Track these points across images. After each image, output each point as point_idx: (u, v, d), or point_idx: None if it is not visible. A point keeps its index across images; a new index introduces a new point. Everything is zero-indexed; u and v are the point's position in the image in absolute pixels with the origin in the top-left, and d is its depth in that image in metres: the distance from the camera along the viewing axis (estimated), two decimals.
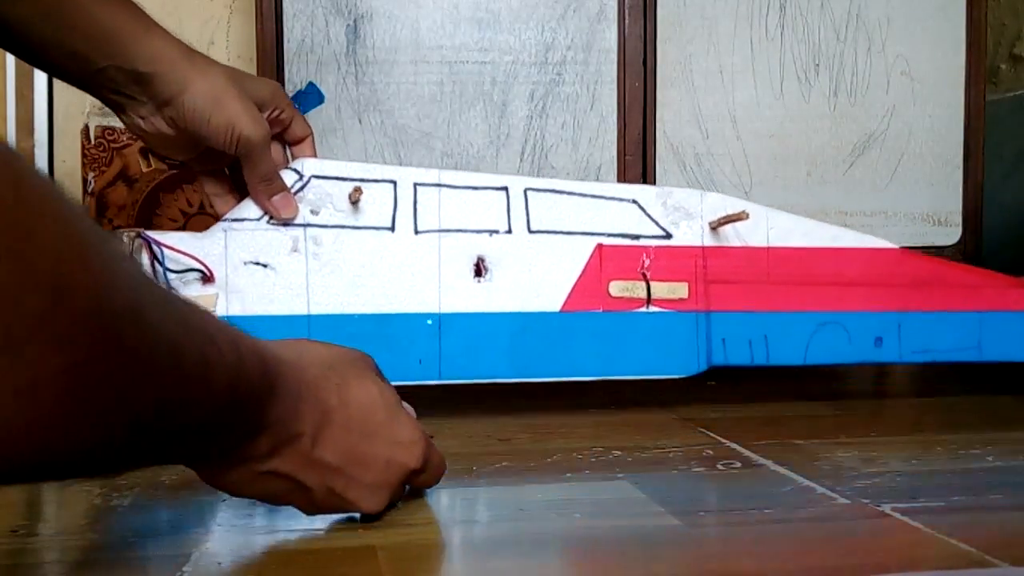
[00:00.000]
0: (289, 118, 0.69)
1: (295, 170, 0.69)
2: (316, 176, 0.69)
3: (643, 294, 0.72)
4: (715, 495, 0.49)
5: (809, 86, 0.95)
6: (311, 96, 0.87)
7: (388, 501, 0.44)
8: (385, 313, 0.68)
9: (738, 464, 0.56)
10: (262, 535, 0.43)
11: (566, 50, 0.91)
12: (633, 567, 0.40)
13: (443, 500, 0.49)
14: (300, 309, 0.67)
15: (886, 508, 0.46)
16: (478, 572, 0.40)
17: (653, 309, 0.72)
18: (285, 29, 0.87)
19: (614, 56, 0.91)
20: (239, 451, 0.39)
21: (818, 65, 0.95)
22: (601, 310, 0.71)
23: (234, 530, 0.44)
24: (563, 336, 0.71)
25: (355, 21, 0.88)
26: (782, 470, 0.54)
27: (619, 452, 0.59)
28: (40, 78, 1.12)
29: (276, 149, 0.69)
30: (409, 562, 0.40)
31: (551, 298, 0.71)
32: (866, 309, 0.75)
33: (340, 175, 0.69)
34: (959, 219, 0.97)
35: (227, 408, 0.35)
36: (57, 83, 1.21)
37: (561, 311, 0.71)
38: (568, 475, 0.54)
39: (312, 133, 0.71)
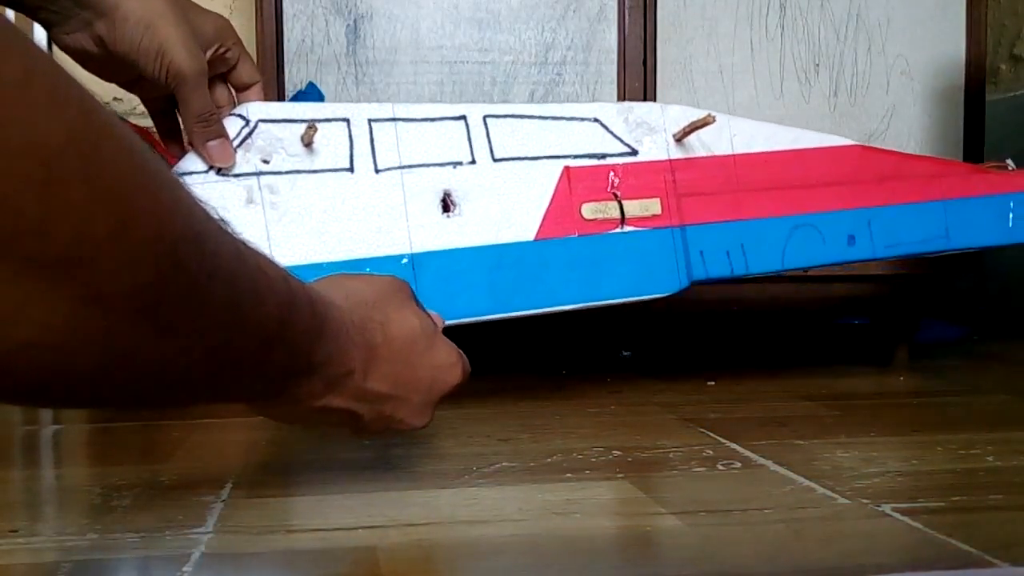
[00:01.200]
0: (235, 58, 0.64)
1: (240, 115, 0.65)
2: (263, 120, 0.65)
3: (617, 214, 0.70)
4: (715, 495, 0.49)
5: (809, 86, 0.95)
6: (311, 96, 0.87)
7: (432, 416, 0.49)
8: (355, 259, 0.65)
9: (738, 464, 0.56)
10: (262, 535, 0.43)
11: (566, 50, 0.91)
12: (633, 567, 0.40)
13: (443, 500, 0.49)
14: None
15: (886, 508, 0.46)
16: (478, 572, 0.40)
17: (628, 229, 0.70)
18: (285, 29, 0.87)
19: (614, 56, 0.91)
20: (292, 388, 0.41)
21: (818, 65, 0.95)
22: (576, 235, 0.69)
23: (234, 530, 0.44)
24: (540, 265, 0.69)
25: (355, 21, 0.88)
26: (782, 470, 0.54)
27: (619, 452, 0.59)
28: None
29: (220, 90, 0.65)
30: (409, 562, 0.40)
31: (524, 227, 0.69)
32: (836, 208, 0.74)
33: (289, 117, 0.66)
34: None
35: (278, 340, 0.36)
36: None
37: (536, 240, 0.69)
38: (568, 475, 0.54)
39: (261, 80, 0.67)
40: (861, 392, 0.87)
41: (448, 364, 0.49)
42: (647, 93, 0.92)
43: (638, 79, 0.92)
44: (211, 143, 0.63)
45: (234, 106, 0.66)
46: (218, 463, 0.59)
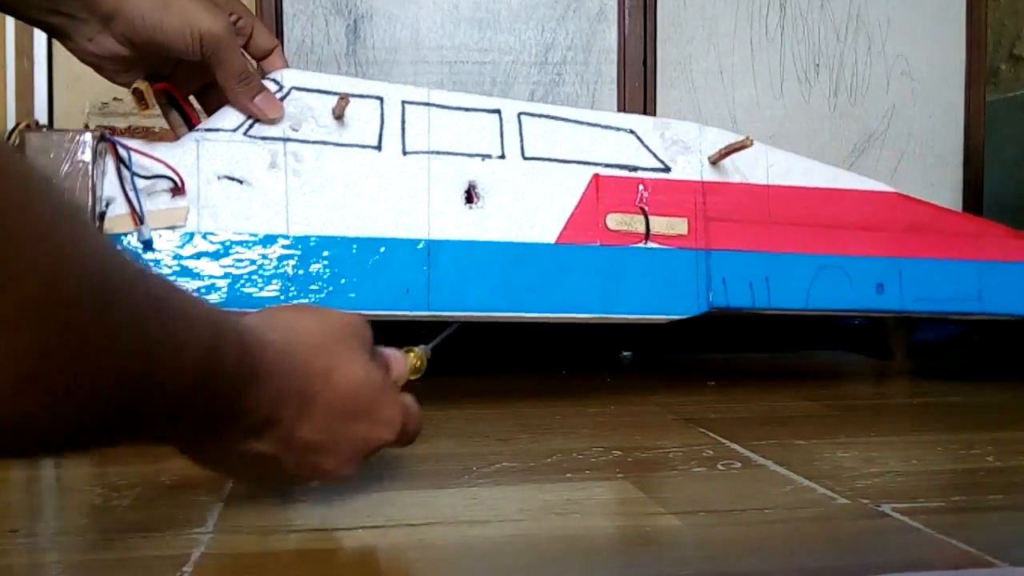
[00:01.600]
0: (248, 26, 0.63)
1: (274, 80, 0.64)
2: (297, 88, 0.64)
3: (641, 228, 0.69)
4: (715, 495, 0.49)
5: (809, 86, 0.95)
6: None
7: (356, 471, 0.45)
8: (370, 237, 0.64)
9: (738, 464, 0.56)
10: (262, 535, 0.43)
11: (566, 50, 0.91)
12: (633, 567, 0.40)
13: (443, 500, 0.49)
14: (278, 229, 0.63)
15: (886, 508, 0.46)
16: (478, 572, 0.40)
17: (652, 245, 0.69)
18: (285, 29, 0.87)
19: (614, 56, 0.92)
20: (215, 432, 0.38)
21: (818, 65, 0.95)
22: (598, 243, 0.68)
23: (234, 530, 0.44)
24: (558, 270, 0.67)
25: (355, 21, 0.88)
26: (782, 470, 0.54)
27: (619, 452, 0.59)
28: (41, 78, 1.12)
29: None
30: (409, 562, 0.40)
31: (546, 229, 0.67)
32: (867, 254, 0.72)
33: (323, 88, 0.65)
34: None
35: (197, 392, 0.34)
36: (58, 84, 1.21)
37: (556, 243, 0.67)
38: (568, 475, 0.54)
39: (280, 44, 0.66)
40: (861, 392, 0.87)
41: (388, 420, 0.46)
42: (647, 93, 0.92)
43: (638, 79, 0.92)
44: (257, 98, 0.62)
45: (261, 76, 0.65)
46: None
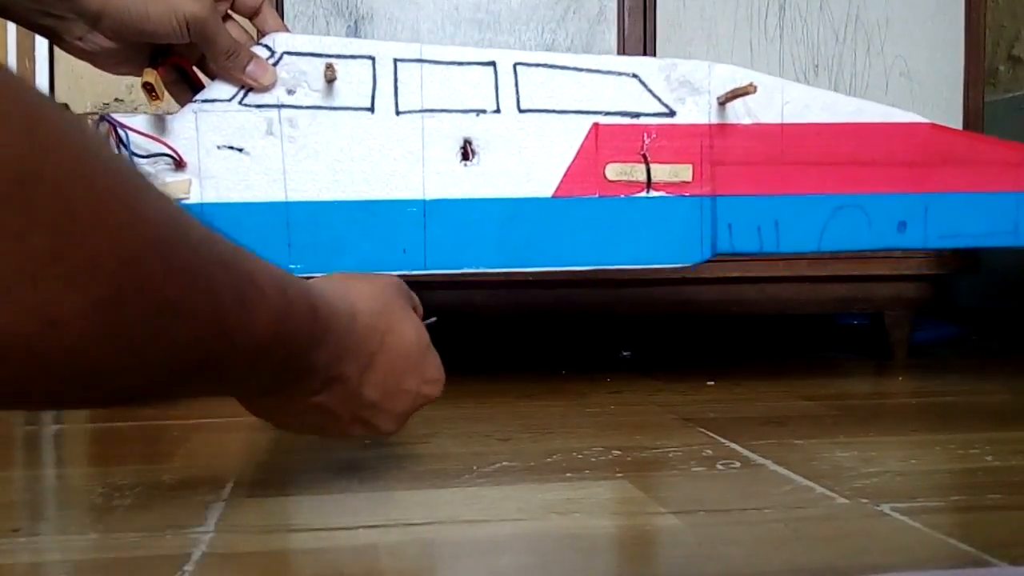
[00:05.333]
0: None
1: (266, 46, 0.65)
2: (288, 52, 0.64)
3: (642, 178, 0.67)
4: (715, 495, 0.49)
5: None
6: None
7: (403, 427, 0.51)
8: (367, 200, 0.65)
9: (738, 464, 0.56)
10: (263, 535, 0.43)
11: (566, 51, 0.91)
12: (633, 566, 0.40)
13: (444, 499, 0.49)
14: (278, 196, 0.64)
15: (885, 508, 0.46)
16: (478, 572, 0.40)
17: (654, 194, 0.67)
18: None
19: None
20: (287, 387, 0.42)
21: (817, 66, 0.95)
22: (597, 195, 0.67)
23: (234, 530, 0.44)
24: (556, 224, 0.67)
25: (356, 22, 0.88)
26: (782, 470, 0.54)
27: (619, 452, 0.59)
28: (43, 78, 1.12)
29: (235, 28, 0.65)
30: (410, 561, 0.40)
31: (543, 183, 0.67)
32: (890, 191, 0.69)
33: (314, 51, 0.65)
34: None
35: (270, 350, 0.36)
36: (60, 84, 1.21)
37: (553, 197, 0.67)
38: (568, 475, 0.54)
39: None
40: (861, 392, 0.87)
41: (434, 379, 0.51)
42: None
43: None
44: (249, 67, 0.63)
45: (254, 41, 0.66)
46: (219, 463, 0.59)
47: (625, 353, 1.13)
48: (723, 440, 0.63)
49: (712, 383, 0.88)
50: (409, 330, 0.49)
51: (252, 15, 0.66)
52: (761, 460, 0.57)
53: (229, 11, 0.64)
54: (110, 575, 0.39)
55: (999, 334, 1.29)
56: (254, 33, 0.67)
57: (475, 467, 0.55)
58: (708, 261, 0.70)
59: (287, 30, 0.67)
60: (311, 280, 0.44)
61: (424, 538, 0.43)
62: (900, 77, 0.96)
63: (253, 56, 0.64)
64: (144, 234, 0.27)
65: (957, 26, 0.97)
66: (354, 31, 0.88)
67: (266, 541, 0.43)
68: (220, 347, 0.33)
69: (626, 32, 0.91)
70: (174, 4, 0.58)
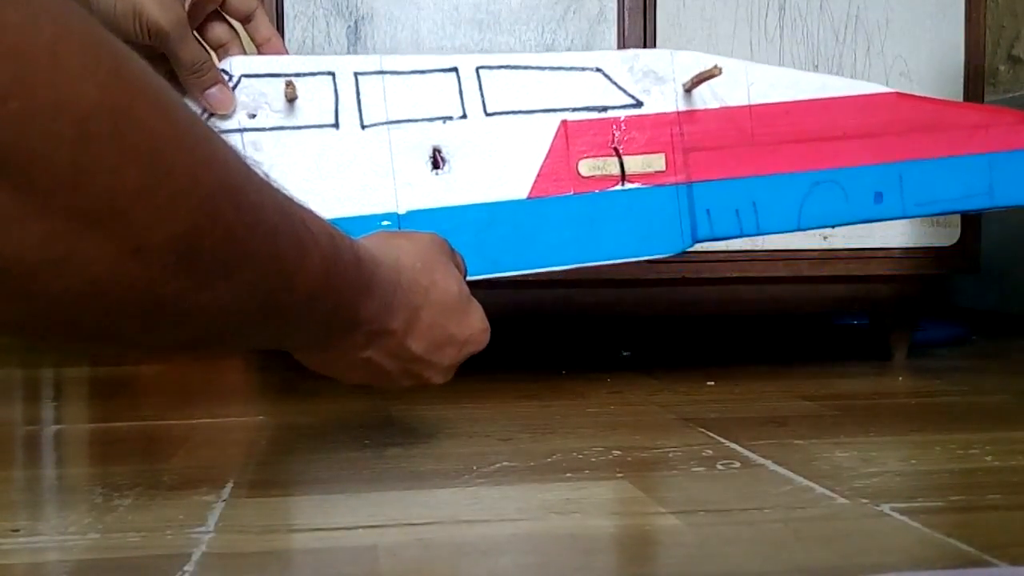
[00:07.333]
0: None
1: (223, 70, 0.63)
2: (246, 75, 0.63)
3: (616, 171, 0.67)
4: (715, 495, 0.49)
5: None
6: None
7: (450, 379, 0.53)
8: (340, 217, 0.63)
9: (738, 464, 0.56)
10: (263, 535, 0.43)
11: (566, 51, 0.91)
12: (633, 567, 0.40)
13: (443, 499, 0.49)
14: None
15: (885, 508, 0.46)
16: (478, 572, 0.40)
17: (629, 186, 0.67)
18: (286, 30, 0.87)
19: None
20: (337, 340, 0.44)
21: (817, 66, 0.95)
22: (572, 193, 0.67)
23: (235, 529, 0.44)
24: (533, 225, 0.66)
25: (356, 23, 0.88)
26: (782, 470, 0.54)
27: (619, 452, 0.59)
28: None
29: (218, 29, 0.63)
30: (409, 561, 0.40)
31: (516, 185, 0.66)
32: (863, 163, 0.70)
33: (272, 71, 0.64)
34: (958, 220, 0.97)
35: (322, 296, 0.38)
36: None
37: (528, 198, 0.67)
38: (568, 475, 0.54)
39: (262, 3, 0.64)
40: (860, 392, 0.87)
41: (479, 330, 0.53)
42: None
43: None
44: (209, 91, 0.62)
45: (240, 45, 0.64)
46: (219, 463, 0.59)
47: (625, 353, 1.13)
48: (723, 440, 0.63)
49: (712, 383, 0.88)
50: (452, 284, 0.50)
51: (244, 21, 0.64)
52: (761, 460, 0.57)
53: (221, 11, 0.63)
54: (110, 575, 0.39)
55: (999, 334, 1.29)
56: (245, 38, 0.66)
57: (475, 467, 0.55)
58: (688, 249, 0.70)
59: (281, 41, 0.66)
60: (361, 239, 0.45)
61: (424, 538, 0.43)
62: (900, 77, 0.96)
63: (219, 79, 0.62)
64: (218, 175, 0.29)
65: (957, 26, 0.97)
66: (354, 31, 0.88)
67: (266, 541, 0.43)
68: (279, 288, 0.34)
69: (626, 32, 0.91)
70: (140, 6, 0.57)
